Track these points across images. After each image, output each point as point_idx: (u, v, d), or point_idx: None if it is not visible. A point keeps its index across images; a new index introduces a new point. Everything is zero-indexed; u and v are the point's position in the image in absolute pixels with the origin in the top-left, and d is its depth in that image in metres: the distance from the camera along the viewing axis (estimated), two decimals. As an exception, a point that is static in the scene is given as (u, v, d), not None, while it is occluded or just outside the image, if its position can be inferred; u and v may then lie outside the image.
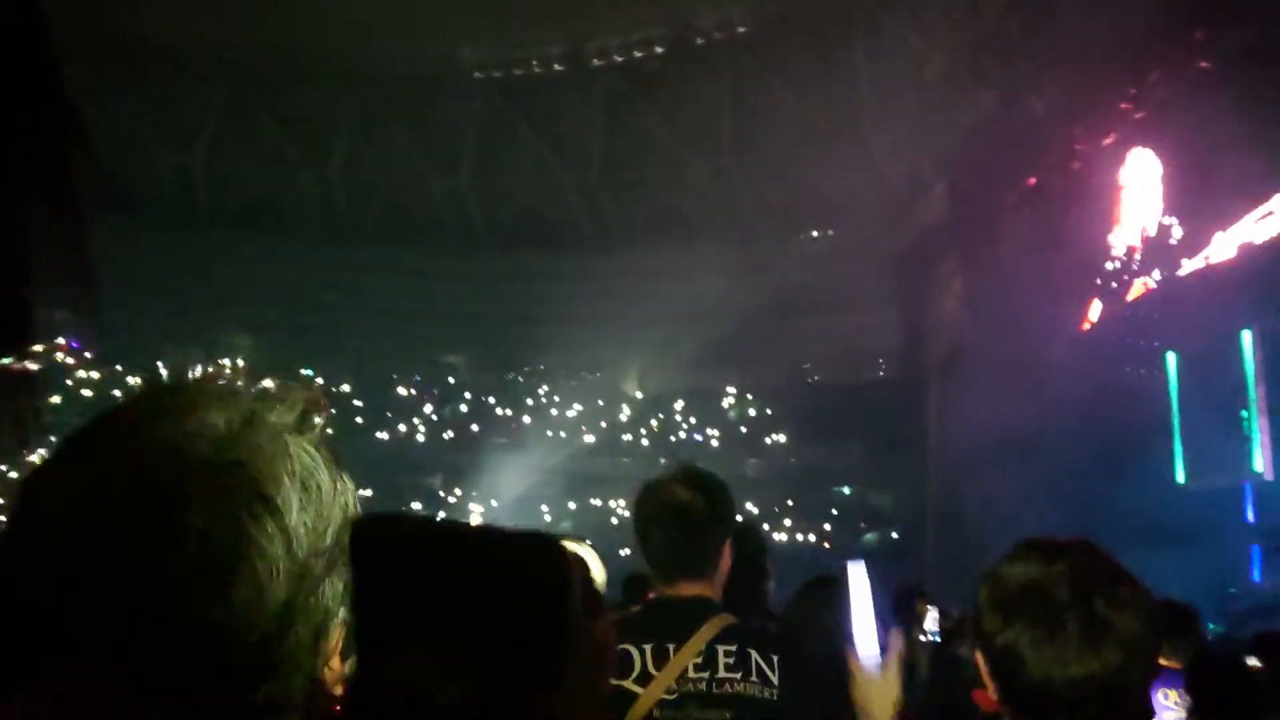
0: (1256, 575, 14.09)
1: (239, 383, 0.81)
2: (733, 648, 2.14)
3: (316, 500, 0.77)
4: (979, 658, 1.48)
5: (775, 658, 2.14)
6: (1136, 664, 1.37)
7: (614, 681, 2.08)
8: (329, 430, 0.83)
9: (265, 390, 0.81)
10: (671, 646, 2.13)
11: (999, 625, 1.41)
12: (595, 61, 31.04)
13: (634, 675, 2.11)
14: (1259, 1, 14.02)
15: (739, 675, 2.12)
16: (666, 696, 2.09)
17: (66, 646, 0.68)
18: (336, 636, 0.79)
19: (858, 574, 1.91)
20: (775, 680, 2.12)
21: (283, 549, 0.73)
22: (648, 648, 2.13)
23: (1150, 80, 16.92)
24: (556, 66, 31.41)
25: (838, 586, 3.83)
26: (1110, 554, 1.47)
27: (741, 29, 29.48)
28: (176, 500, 0.71)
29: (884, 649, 1.92)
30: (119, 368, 30.17)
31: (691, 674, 2.12)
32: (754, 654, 2.13)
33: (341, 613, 0.78)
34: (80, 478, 0.72)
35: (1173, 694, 3.72)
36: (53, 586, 0.69)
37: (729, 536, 2.32)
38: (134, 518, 0.70)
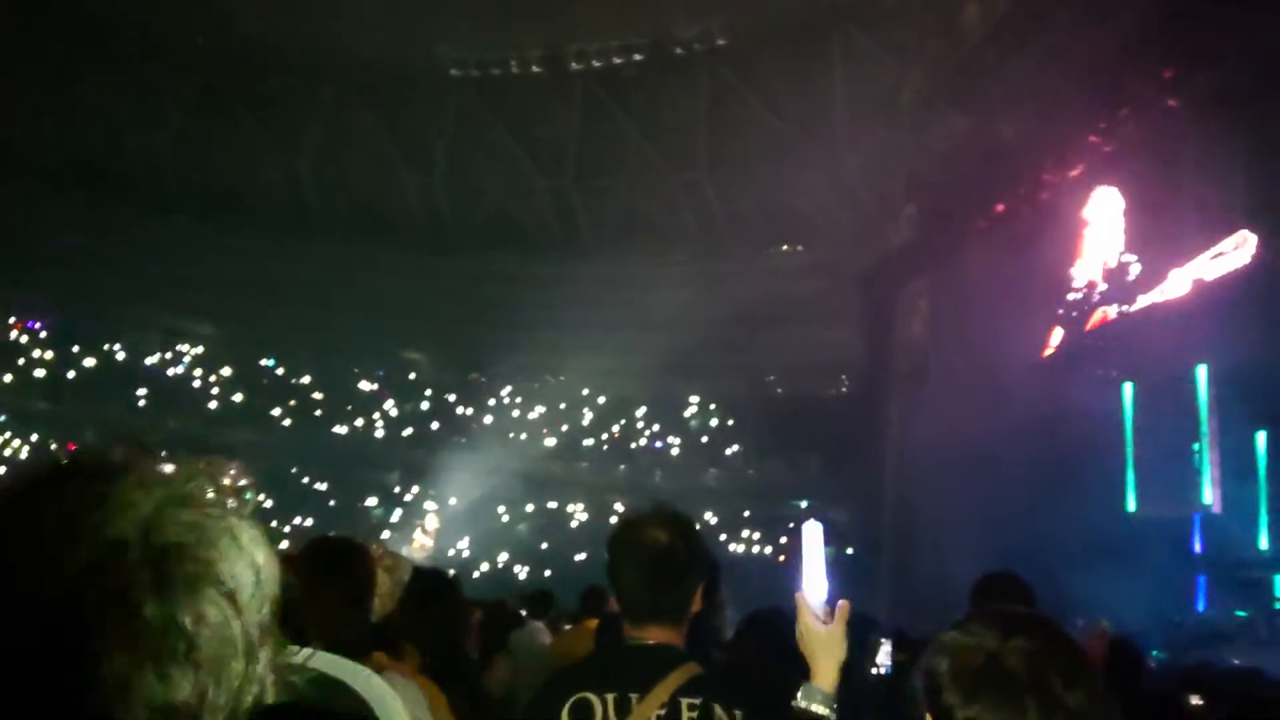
0: (1201, 605, 14.33)
1: (165, 462, 0.80)
2: (697, 700, 2.07)
3: (258, 577, 0.78)
4: None
5: (739, 712, 2.09)
6: None
7: None
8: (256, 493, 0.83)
9: (193, 467, 0.81)
10: (635, 696, 2.06)
11: (959, 700, 1.45)
12: (574, 65, 30.99)
13: None
14: (1228, 45, 14.30)
15: None
16: None
17: None
18: None
19: (813, 532, 2.06)
20: None
21: (239, 629, 0.74)
22: (610, 697, 2.07)
23: (1119, 116, 17.20)
24: (534, 68, 31.34)
25: (785, 619, 3.85)
26: (1065, 631, 1.53)
27: (721, 41, 29.59)
28: (134, 589, 0.70)
29: (830, 602, 2.04)
30: (75, 349, 29.69)
31: None
32: (718, 707, 2.07)
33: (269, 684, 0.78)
34: (35, 571, 0.71)
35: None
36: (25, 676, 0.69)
37: (703, 581, 2.27)
38: (98, 609, 0.69)
